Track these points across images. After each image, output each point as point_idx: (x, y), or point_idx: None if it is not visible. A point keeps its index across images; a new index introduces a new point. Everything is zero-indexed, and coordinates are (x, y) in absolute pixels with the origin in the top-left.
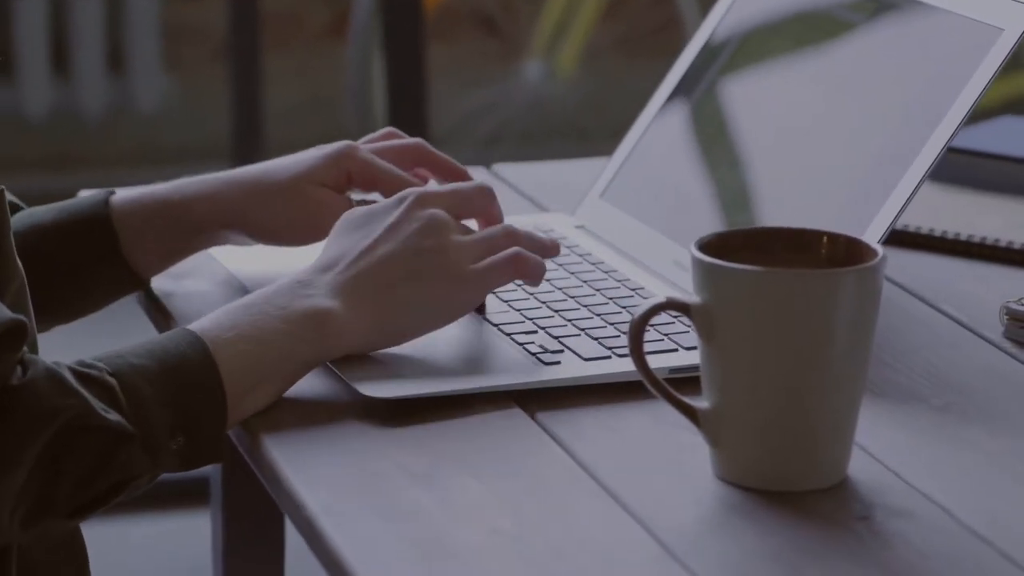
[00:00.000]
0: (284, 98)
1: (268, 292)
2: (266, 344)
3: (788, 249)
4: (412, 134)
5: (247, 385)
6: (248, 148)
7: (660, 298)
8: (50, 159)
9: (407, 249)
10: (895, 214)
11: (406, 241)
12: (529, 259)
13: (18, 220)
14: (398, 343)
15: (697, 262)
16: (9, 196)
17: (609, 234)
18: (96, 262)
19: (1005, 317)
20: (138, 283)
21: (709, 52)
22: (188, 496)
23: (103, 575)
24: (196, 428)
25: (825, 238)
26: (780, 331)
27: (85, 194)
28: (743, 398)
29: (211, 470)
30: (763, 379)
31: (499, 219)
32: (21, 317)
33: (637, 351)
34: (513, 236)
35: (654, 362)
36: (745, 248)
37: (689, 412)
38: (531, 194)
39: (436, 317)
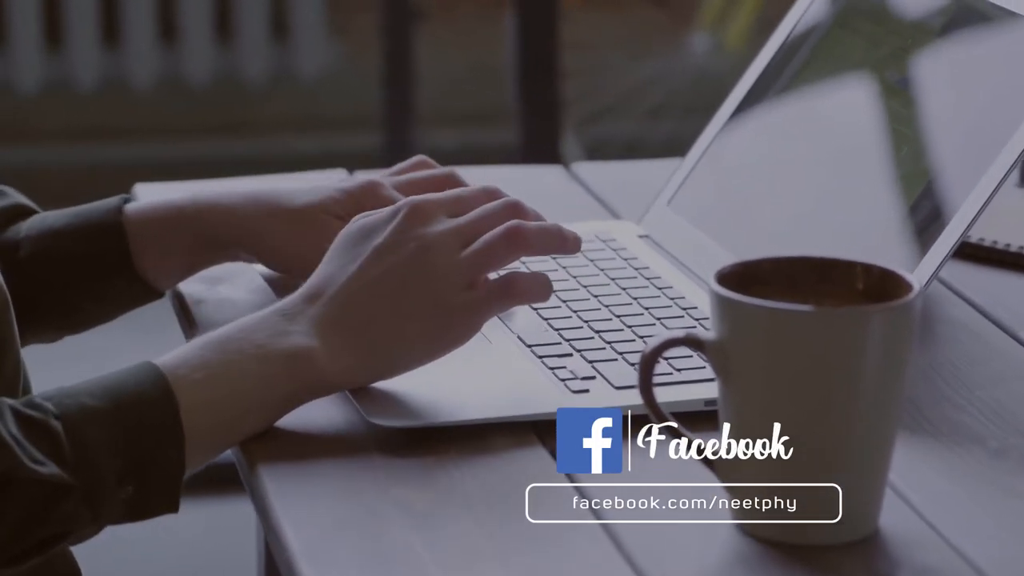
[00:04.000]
0: (447, 67)
1: (247, 325)
2: (238, 387)
3: (819, 280)
4: (543, 109)
5: (213, 430)
6: (399, 118)
7: (677, 332)
8: (212, 126)
9: (393, 279)
10: (960, 233)
11: (393, 269)
12: (523, 284)
13: (31, 224)
14: (384, 379)
15: (713, 295)
16: (22, 199)
17: (672, 246)
18: (108, 269)
19: None
20: (152, 293)
21: (785, 53)
22: (231, 482)
23: (146, 562)
24: (149, 476)
25: (859, 268)
26: (799, 373)
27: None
28: (759, 443)
29: None
30: (780, 424)
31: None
32: None
33: (646, 387)
34: (518, 238)
35: (688, 393)
36: (773, 279)
37: (701, 455)
38: (606, 197)
39: (423, 354)
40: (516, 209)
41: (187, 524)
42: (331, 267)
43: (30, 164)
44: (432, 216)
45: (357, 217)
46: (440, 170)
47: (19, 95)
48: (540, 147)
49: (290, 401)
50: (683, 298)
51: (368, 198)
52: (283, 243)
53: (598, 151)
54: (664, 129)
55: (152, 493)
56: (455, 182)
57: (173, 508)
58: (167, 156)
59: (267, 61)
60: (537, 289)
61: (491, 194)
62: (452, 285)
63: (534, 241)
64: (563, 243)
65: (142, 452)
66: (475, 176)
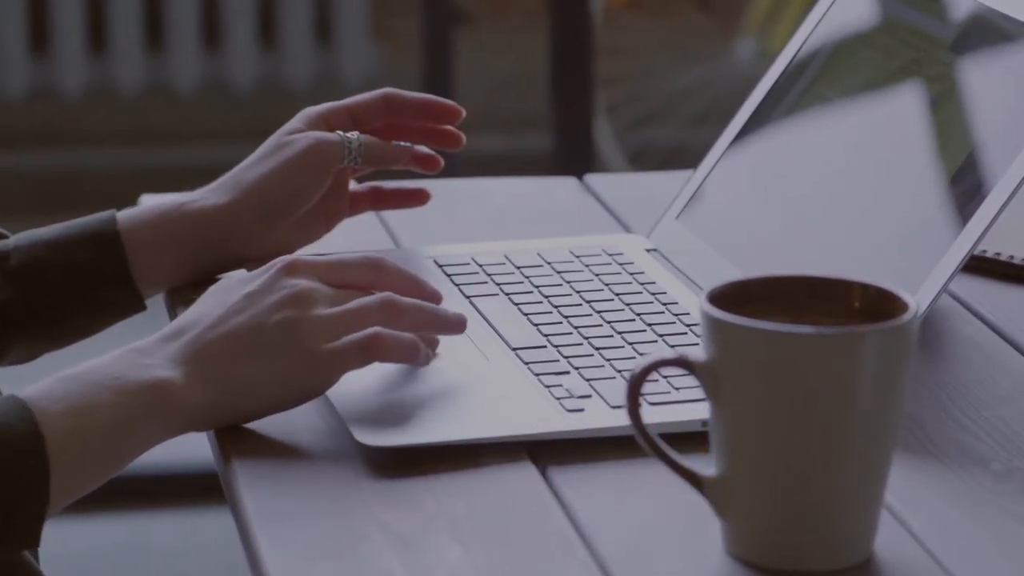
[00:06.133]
0: (489, 73)
1: (102, 361)
2: (98, 418)
3: (815, 299)
4: (577, 115)
5: (76, 463)
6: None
7: (667, 353)
8: (256, 130)
9: (257, 323)
10: (968, 249)
11: (258, 314)
12: (388, 341)
13: (18, 237)
14: (241, 422)
15: (703, 315)
16: None
17: (680, 260)
18: (102, 277)
19: None
20: (137, 304)
21: (798, 65)
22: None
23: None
24: (15, 509)
25: (855, 287)
26: (793, 395)
27: None
28: (752, 467)
29: None
30: (773, 447)
31: (406, 289)
32: None
33: (633, 409)
34: (391, 309)
35: (685, 413)
36: (767, 298)
37: (692, 479)
38: (619, 210)
39: (280, 398)
40: (391, 299)
41: (194, 534)
42: (198, 310)
43: (73, 167)
44: (304, 274)
45: (232, 273)
46: (375, 92)
47: (63, 98)
48: (574, 153)
49: (148, 434)
50: (687, 314)
51: (314, 112)
52: (284, 178)
53: (640, 157)
54: (707, 136)
55: (16, 528)
56: (393, 97)
57: (35, 544)
58: (210, 160)
59: (310, 65)
60: (400, 351)
61: (373, 264)
62: (316, 333)
63: (408, 316)
64: (443, 325)
65: (9, 485)
66: (487, 189)
